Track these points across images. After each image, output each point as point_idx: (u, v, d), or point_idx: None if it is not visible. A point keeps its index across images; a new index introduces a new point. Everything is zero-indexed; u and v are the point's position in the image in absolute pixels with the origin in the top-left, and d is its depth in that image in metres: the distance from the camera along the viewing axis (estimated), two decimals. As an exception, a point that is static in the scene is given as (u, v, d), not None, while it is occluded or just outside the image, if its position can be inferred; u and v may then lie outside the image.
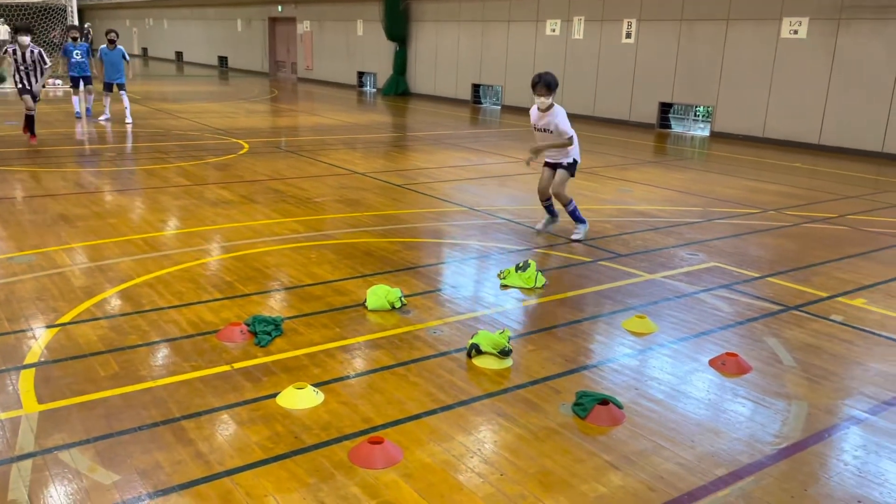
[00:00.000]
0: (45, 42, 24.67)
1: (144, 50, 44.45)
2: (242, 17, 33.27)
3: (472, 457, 3.34)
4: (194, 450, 3.30)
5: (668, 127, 16.98)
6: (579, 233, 7.14)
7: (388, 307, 5.05)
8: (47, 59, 11.67)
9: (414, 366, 4.24)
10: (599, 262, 6.41)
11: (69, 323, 4.68)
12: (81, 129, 13.66)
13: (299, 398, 3.74)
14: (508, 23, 20.26)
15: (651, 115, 17.03)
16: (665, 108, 16.94)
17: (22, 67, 11.35)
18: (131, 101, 15.52)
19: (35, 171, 9.63)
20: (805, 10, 14.06)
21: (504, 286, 5.70)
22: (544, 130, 7.05)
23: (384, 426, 3.55)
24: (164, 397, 3.76)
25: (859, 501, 3.12)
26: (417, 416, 3.66)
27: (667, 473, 3.26)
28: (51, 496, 2.96)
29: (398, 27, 23.40)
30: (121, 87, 14.27)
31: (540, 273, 5.75)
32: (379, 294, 5.10)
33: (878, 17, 13.09)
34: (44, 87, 12.14)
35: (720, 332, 4.94)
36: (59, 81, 20.98)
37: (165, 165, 10.37)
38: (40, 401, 3.69)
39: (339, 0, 26.42)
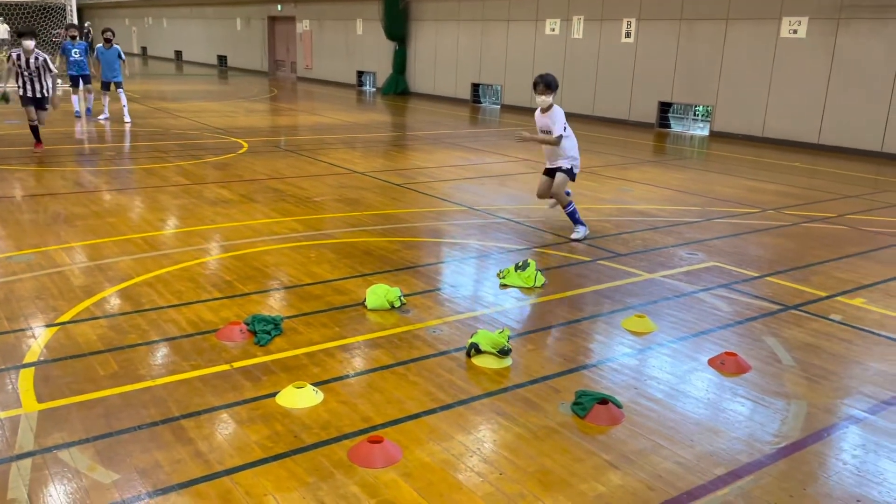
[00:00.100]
0: (44, 41, 24.65)
1: (144, 49, 44.42)
2: (242, 16, 33.25)
3: (471, 456, 3.34)
4: (194, 449, 3.30)
5: (668, 126, 16.99)
6: (578, 233, 7.14)
7: (388, 306, 5.05)
8: (53, 67, 11.00)
9: (413, 365, 4.25)
10: (599, 262, 6.42)
11: (68, 322, 4.68)
12: (81, 129, 13.65)
13: (299, 397, 3.74)
14: (508, 22, 20.26)
15: (650, 114, 17.04)
16: (664, 107, 16.94)
17: (25, 74, 10.62)
18: (130, 99, 15.54)
19: (34, 170, 9.63)
20: (804, 9, 14.06)
21: (503, 285, 5.70)
22: (545, 132, 7.14)
23: (384, 425, 3.56)
24: (164, 396, 3.76)
25: (858, 501, 3.13)
26: (417, 416, 3.66)
27: (666, 472, 3.27)
28: (50, 495, 2.96)
29: (398, 26, 23.39)
30: (118, 85, 14.28)
31: (539, 272, 5.75)
32: (378, 293, 5.10)
33: (878, 17, 13.10)
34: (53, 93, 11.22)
35: (719, 331, 4.94)
36: (59, 81, 20.95)
37: (165, 164, 10.37)
38: (40, 400, 3.69)
39: (339, -1, 26.44)
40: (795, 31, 14.23)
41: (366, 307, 5.07)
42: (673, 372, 4.31)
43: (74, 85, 14.59)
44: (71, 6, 21.22)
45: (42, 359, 4.16)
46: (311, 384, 3.87)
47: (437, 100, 22.49)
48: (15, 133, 12.39)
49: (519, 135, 7.38)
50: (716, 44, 15.52)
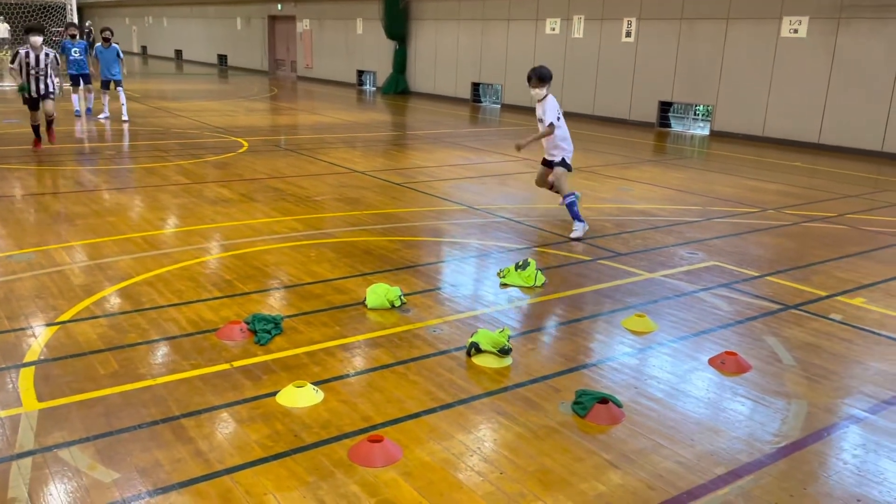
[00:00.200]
0: (44, 41, 24.57)
1: (144, 48, 44.40)
2: (242, 15, 33.25)
3: (471, 455, 3.34)
4: (194, 448, 3.30)
5: (668, 126, 16.98)
6: (577, 231, 7.16)
7: (388, 306, 5.05)
8: (57, 65, 10.77)
9: (413, 364, 4.25)
10: (599, 261, 6.41)
11: (69, 321, 4.68)
12: (81, 128, 13.65)
13: (299, 396, 3.74)
14: (508, 21, 20.26)
15: (651, 113, 17.03)
16: (665, 106, 16.94)
17: (33, 72, 10.24)
18: (129, 99, 15.54)
19: (35, 170, 9.63)
20: (805, 9, 14.06)
21: (504, 285, 5.70)
22: (540, 120, 7.36)
23: (384, 424, 3.56)
24: (164, 395, 3.76)
25: (858, 500, 3.13)
26: (417, 415, 3.66)
27: (666, 472, 3.27)
28: (51, 494, 2.96)
29: (398, 26, 23.39)
30: (117, 84, 14.28)
31: (539, 272, 5.75)
32: (378, 292, 5.10)
33: (878, 17, 13.09)
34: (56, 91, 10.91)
35: (720, 330, 4.94)
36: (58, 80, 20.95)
37: (165, 164, 10.37)
38: (40, 399, 3.69)
39: (339, -2, 26.44)
40: (796, 31, 14.23)
41: (366, 306, 5.07)
42: (673, 371, 4.31)
43: (74, 84, 14.59)
44: (71, 5, 21.21)
45: (42, 358, 4.16)
46: (312, 383, 3.87)
47: (438, 99, 22.48)
48: (15, 132, 12.39)
49: (517, 145, 7.44)
50: (716, 43, 15.52)
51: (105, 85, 14.40)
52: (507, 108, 20.37)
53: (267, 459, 3.24)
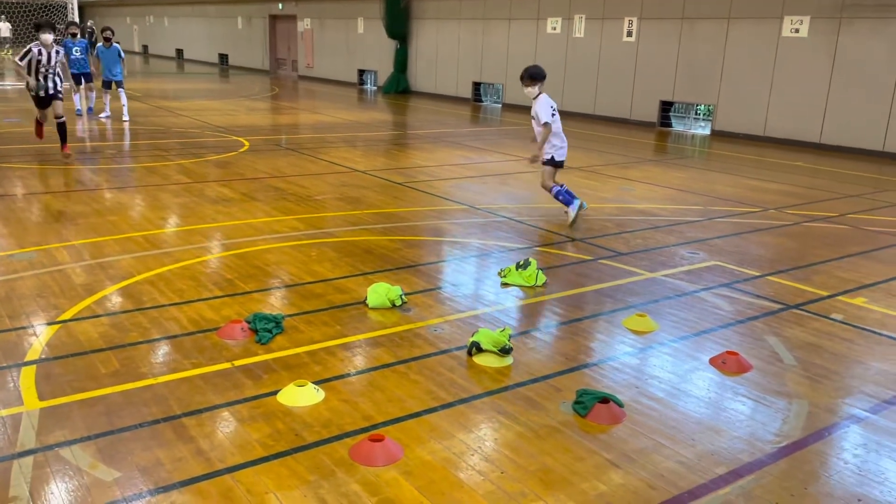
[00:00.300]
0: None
1: (145, 47, 44.42)
2: (243, 14, 33.25)
3: (472, 454, 3.34)
4: (195, 447, 3.31)
5: (669, 125, 16.98)
6: (570, 213, 7.50)
7: (389, 305, 5.05)
8: (64, 61, 10.40)
9: (414, 363, 4.25)
10: (600, 261, 6.41)
11: (70, 320, 4.68)
12: (82, 127, 13.65)
13: (300, 396, 3.74)
14: (509, 21, 20.25)
15: (652, 113, 17.03)
16: (666, 106, 16.93)
17: (43, 71, 9.85)
18: (131, 98, 15.55)
19: (36, 169, 9.63)
20: (806, 8, 14.05)
21: (505, 284, 5.70)
22: (533, 118, 7.63)
23: (385, 424, 3.56)
24: (165, 394, 3.77)
25: (859, 500, 3.13)
26: (418, 414, 3.66)
27: (667, 472, 3.27)
28: (52, 493, 2.96)
29: (399, 25, 23.38)
30: (119, 84, 14.28)
31: (540, 271, 5.75)
32: (379, 292, 5.10)
33: (879, 17, 13.08)
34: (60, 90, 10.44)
35: (721, 330, 4.94)
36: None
37: (166, 163, 10.37)
38: (41, 397, 3.69)
39: (340, -2, 26.44)
40: (797, 31, 14.22)
41: (367, 306, 5.07)
42: (674, 371, 4.31)
43: (76, 83, 14.58)
44: (72, 4, 21.22)
45: (44, 357, 4.16)
46: (313, 382, 3.87)
47: (439, 98, 22.48)
48: (17, 131, 12.40)
49: (531, 159, 7.72)
50: (717, 43, 15.51)
51: (107, 85, 14.41)
52: (508, 107, 20.37)
53: (268, 458, 3.24)
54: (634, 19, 17.11)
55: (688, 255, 6.70)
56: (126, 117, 14.33)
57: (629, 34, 17.25)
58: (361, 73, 26.47)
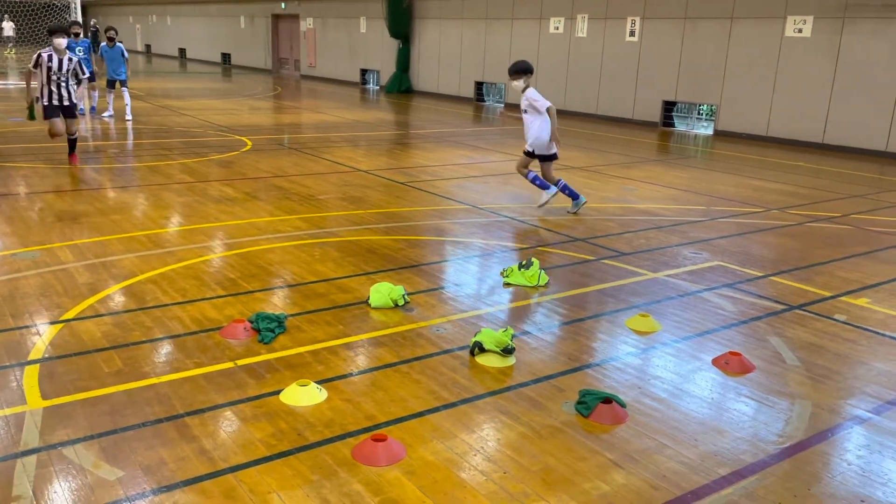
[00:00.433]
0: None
1: (148, 46, 44.48)
2: (245, 13, 33.28)
3: (475, 454, 3.34)
4: (198, 446, 3.31)
5: (672, 125, 16.96)
6: (543, 198, 8.06)
7: (392, 305, 5.06)
8: (86, 70, 9.73)
9: (417, 363, 4.25)
10: (602, 261, 6.41)
11: (73, 319, 4.69)
12: (85, 126, 13.66)
13: (302, 395, 3.74)
14: (512, 20, 20.24)
15: (654, 113, 17.01)
16: (668, 106, 16.92)
17: (55, 78, 9.19)
18: (133, 97, 15.56)
19: (39, 168, 9.64)
20: (809, 8, 14.03)
21: (507, 284, 5.70)
22: (525, 111, 8.13)
23: (387, 423, 3.56)
24: (168, 394, 3.77)
25: (862, 501, 3.12)
26: (420, 414, 3.67)
27: (670, 472, 3.26)
28: (55, 492, 2.97)
29: (401, 24, 23.39)
30: (123, 83, 14.31)
31: (543, 271, 5.75)
32: (382, 291, 5.10)
33: (883, 17, 13.06)
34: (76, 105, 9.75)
35: (723, 331, 4.94)
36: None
37: (169, 162, 10.38)
38: (44, 397, 3.70)
39: (343, -3, 26.45)
40: (800, 31, 14.20)
41: (369, 305, 5.07)
42: (677, 371, 4.31)
43: (78, 83, 14.61)
44: (75, 3, 21.25)
45: (47, 356, 4.17)
46: (315, 382, 3.87)
47: (441, 98, 22.48)
48: (20, 130, 12.42)
49: (556, 143, 8.11)
50: (720, 43, 15.50)
51: (110, 84, 14.45)
52: (511, 107, 20.35)
53: (271, 458, 3.24)
54: (637, 19, 17.09)
55: (690, 255, 6.70)
56: (129, 116, 14.35)
57: (632, 34, 17.23)
58: (364, 72, 26.47)
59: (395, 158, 11.76)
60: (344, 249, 6.43)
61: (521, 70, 8.08)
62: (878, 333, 5.00)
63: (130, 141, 12.47)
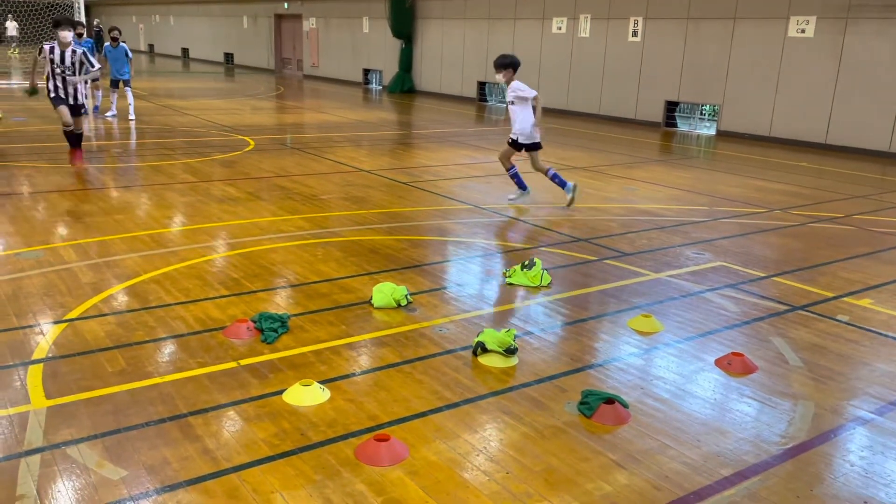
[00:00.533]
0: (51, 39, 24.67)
1: (151, 46, 44.54)
2: (248, 13, 33.30)
3: (477, 455, 3.34)
4: (201, 446, 3.32)
5: (674, 125, 16.95)
6: (514, 195, 8.35)
7: (394, 305, 5.06)
8: (95, 62, 9.34)
9: (420, 363, 4.25)
10: (605, 261, 6.41)
11: (76, 319, 4.70)
12: (88, 126, 13.68)
13: (305, 395, 3.75)
14: (514, 21, 20.24)
15: (657, 113, 17.00)
16: (671, 106, 16.91)
17: (59, 71, 9.03)
18: (136, 97, 15.59)
19: (42, 167, 9.66)
20: (812, 8, 14.02)
21: (509, 284, 5.70)
22: (510, 103, 8.25)
23: (390, 423, 3.56)
24: (171, 393, 3.78)
25: (865, 502, 3.12)
26: (423, 414, 3.67)
27: (672, 473, 3.27)
28: (59, 491, 2.97)
29: (404, 25, 23.40)
30: (126, 83, 14.34)
31: (545, 272, 5.75)
32: (385, 291, 5.10)
33: (886, 17, 13.04)
34: (82, 102, 9.45)
35: (726, 331, 4.94)
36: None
37: (172, 162, 10.39)
38: (48, 396, 3.71)
39: (345, -3, 26.46)
40: (803, 31, 14.19)
41: (372, 305, 5.08)
42: (679, 372, 4.31)
43: None
44: (78, 3, 21.28)
45: (50, 355, 4.18)
46: (318, 382, 3.88)
47: (444, 98, 22.49)
48: (23, 130, 12.44)
49: (541, 132, 8.34)
50: (723, 43, 15.48)
51: (114, 84, 14.49)
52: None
53: (274, 458, 3.25)
54: (640, 19, 17.08)
55: (693, 255, 6.70)
56: (132, 116, 14.38)
57: (634, 34, 17.23)
58: (366, 72, 26.49)
59: (397, 158, 11.77)
60: (346, 249, 6.44)
61: (507, 64, 8.31)
62: (880, 334, 5.00)
63: (133, 140, 12.49)
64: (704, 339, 4.79)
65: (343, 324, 4.79)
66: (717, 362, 4.41)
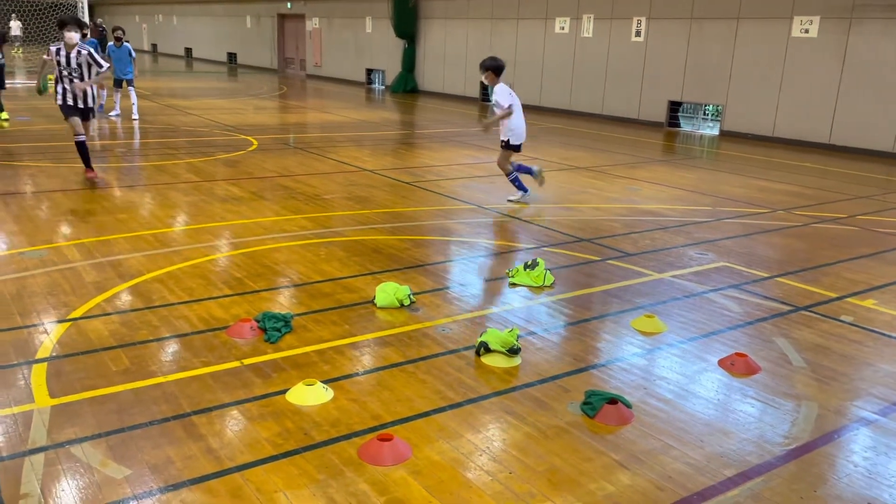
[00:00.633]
0: (56, 39, 24.69)
1: (154, 46, 44.58)
2: (251, 13, 33.33)
3: (480, 454, 3.34)
4: (205, 445, 3.32)
5: (678, 125, 16.94)
6: (514, 196, 8.41)
7: (397, 304, 5.06)
8: (102, 62, 8.71)
9: (423, 363, 4.25)
10: (608, 261, 6.41)
11: (80, 318, 4.71)
12: (92, 125, 13.69)
13: (309, 394, 3.75)
14: (517, 21, 20.23)
15: (660, 113, 16.99)
16: (674, 106, 16.89)
17: (65, 73, 8.49)
18: (140, 96, 15.60)
19: (46, 167, 9.68)
20: (816, 8, 13.99)
21: (512, 284, 5.70)
22: (494, 104, 8.52)
23: (393, 423, 3.57)
24: (175, 393, 3.79)
25: (869, 503, 3.12)
26: (426, 414, 3.67)
27: (675, 473, 3.26)
28: (63, 490, 2.98)
29: (407, 24, 23.40)
30: (129, 83, 14.36)
31: (548, 272, 5.75)
32: (388, 291, 5.11)
33: (889, 17, 13.02)
34: (92, 104, 8.92)
35: (729, 332, 4.93)
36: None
37: (175, 161, 10.41)
38: (52, 395, 3.72)
39: (349, -3, 26.47)
40: (807, 31, 14.17)
41: (375, 305, 5.08)
42: (683, 372, 4.30)
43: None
44: (82, 3, 21.31)
45: (54, 354, 4.18)
46: (321, 381, 3.88)
47: (446, 98, 22.49)
48: (27, 129, 12.46)
49: (483, 125, 8.72)
50: (726, 43, 15.47)
51: (117, 83, 14.50)
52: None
53: (277, 457, 3.25)
54: (643, 19, 17.07)
55: (696, 255, 6.69)
56: (135, 116, 14.40)
57: (638, 34, 17.21)
58: (369, 72, 26.50)
59: (400, 158, 11.77)
60: (349, 249, 6.44)
61: (487, 67, 8.59)
62: (884, 335, 4.99)
63: (137, 140, 12.51)
64: (708, 340, 4.79)
65: (346, 323, 4.79)
66: (721, 363, 4.41)
